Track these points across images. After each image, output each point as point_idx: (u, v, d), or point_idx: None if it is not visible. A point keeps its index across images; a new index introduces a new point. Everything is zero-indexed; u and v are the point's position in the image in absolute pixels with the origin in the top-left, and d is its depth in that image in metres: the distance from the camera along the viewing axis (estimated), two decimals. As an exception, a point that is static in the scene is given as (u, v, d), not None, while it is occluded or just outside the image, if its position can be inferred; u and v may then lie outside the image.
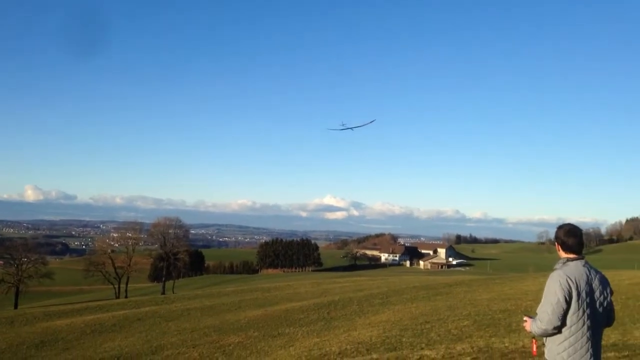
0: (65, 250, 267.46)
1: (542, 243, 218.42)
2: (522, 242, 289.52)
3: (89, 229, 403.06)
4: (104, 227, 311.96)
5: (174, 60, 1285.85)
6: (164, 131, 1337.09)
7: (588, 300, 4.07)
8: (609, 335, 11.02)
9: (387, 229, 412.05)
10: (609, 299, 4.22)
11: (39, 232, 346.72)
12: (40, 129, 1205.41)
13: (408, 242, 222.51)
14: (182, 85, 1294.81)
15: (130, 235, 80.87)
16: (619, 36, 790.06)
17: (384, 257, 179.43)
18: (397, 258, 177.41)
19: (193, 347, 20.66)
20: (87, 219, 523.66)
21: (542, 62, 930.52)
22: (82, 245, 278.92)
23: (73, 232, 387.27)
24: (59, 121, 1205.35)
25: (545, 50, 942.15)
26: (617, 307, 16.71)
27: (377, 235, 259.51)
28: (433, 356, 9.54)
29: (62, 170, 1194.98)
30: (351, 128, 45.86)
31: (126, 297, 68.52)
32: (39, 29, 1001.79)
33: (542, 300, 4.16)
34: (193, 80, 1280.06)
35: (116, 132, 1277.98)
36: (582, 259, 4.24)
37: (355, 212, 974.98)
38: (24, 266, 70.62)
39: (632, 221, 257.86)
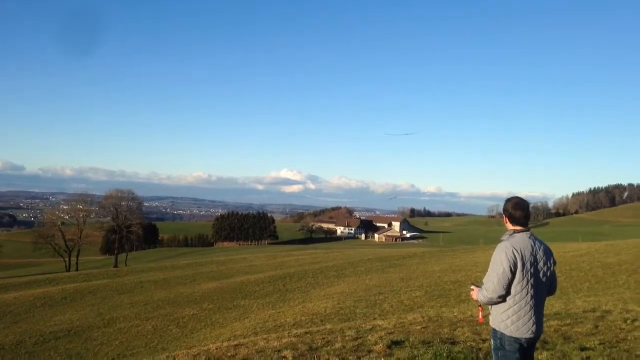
0: (13, 222, 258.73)
1: (493, 216, 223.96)
2: (474, 215, 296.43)
3: (38, 200, 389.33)
4: (54, 199, 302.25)
5: (131, 29, 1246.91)
6: (116, 101, 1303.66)
7: (532, 270, 4.21)
8: (554, 305, 11.49)
9: (344, 202, 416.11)
10: (552, 269, 4.36)
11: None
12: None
13: (364, 216, 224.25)
14: (136, 56, 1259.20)
15: (81, 207, 78.96)
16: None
17: (340, 230, 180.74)
18: (352, 231, 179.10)
19: (147, 320, 20.54)
20: (36, 190, 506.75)
21: (494, 38, 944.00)
22: (31, 217, 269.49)
23: (21, 204, 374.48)
24: (4, 89, 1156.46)
25: (495, 24, 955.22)
26: (561, 278, 17.33)
27: (334, 209, 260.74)
28: (385, 326, 9.75)
29: (10, 140, 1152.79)
30: (407, 134, 55.02)
31: (77, 270, 67.16)
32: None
33: (489, 270, 4.28)
34: (148, 52, 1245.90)
35: (66, 101, 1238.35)
36: (528, 231, 4.36)
37: (312, 186, 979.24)
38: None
39: (577, 196, 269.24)
